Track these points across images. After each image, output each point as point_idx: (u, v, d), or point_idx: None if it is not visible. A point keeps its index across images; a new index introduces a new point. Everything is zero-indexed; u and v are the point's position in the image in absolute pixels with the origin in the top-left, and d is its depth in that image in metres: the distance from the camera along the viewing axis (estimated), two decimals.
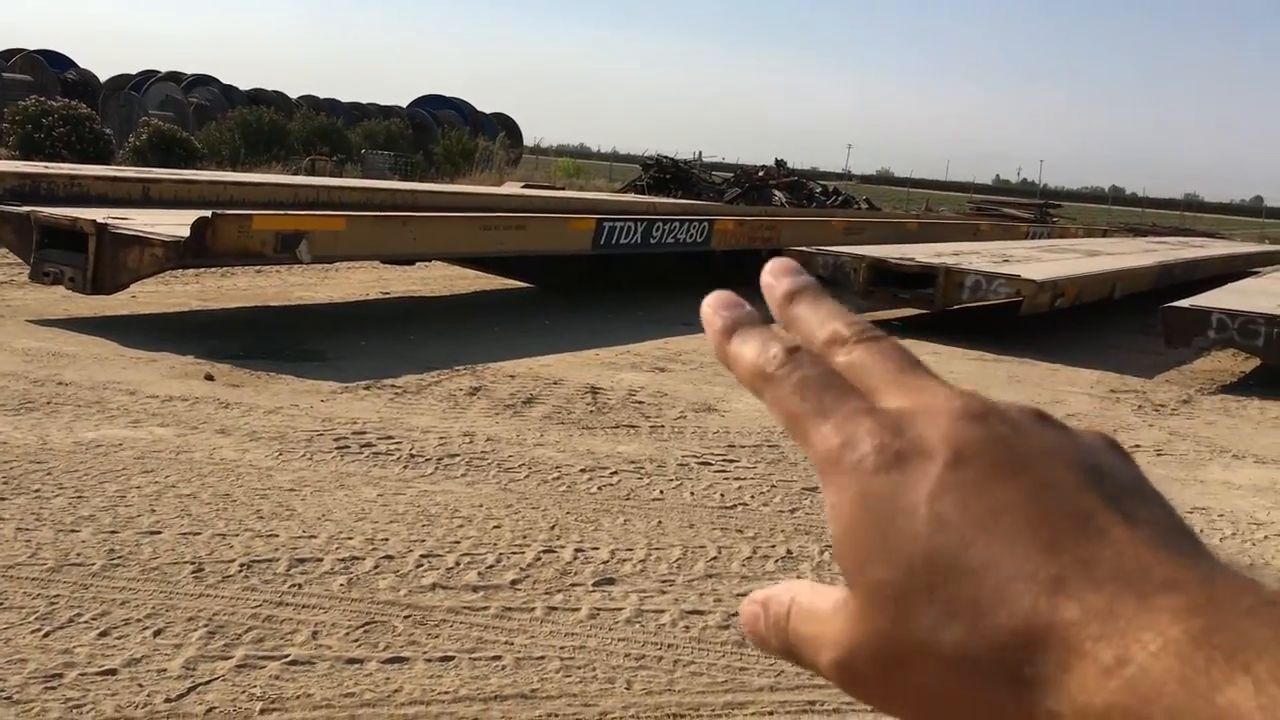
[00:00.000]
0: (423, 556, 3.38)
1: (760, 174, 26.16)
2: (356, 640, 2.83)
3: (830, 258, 9.07)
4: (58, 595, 2.93)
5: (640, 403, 5.62)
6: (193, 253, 6.04)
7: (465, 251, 8.41)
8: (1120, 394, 7.12)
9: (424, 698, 2.59)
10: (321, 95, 29.90)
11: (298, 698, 2.54)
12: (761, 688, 2.75)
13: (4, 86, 22.94)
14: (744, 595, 0.38)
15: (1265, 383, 7.73)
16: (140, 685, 2.54)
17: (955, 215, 23.66)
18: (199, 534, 3.41)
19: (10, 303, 6.81)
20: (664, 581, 3.37)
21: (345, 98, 31.06)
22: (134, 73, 28.27)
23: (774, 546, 3.76)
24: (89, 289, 6.16)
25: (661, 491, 4.23)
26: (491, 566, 3.36)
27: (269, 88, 28.74)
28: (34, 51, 26.80)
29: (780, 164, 28.74)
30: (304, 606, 3.00)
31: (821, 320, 0.37)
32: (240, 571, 3.17)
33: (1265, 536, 4.39)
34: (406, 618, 2.97)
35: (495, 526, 3.70)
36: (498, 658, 2.80)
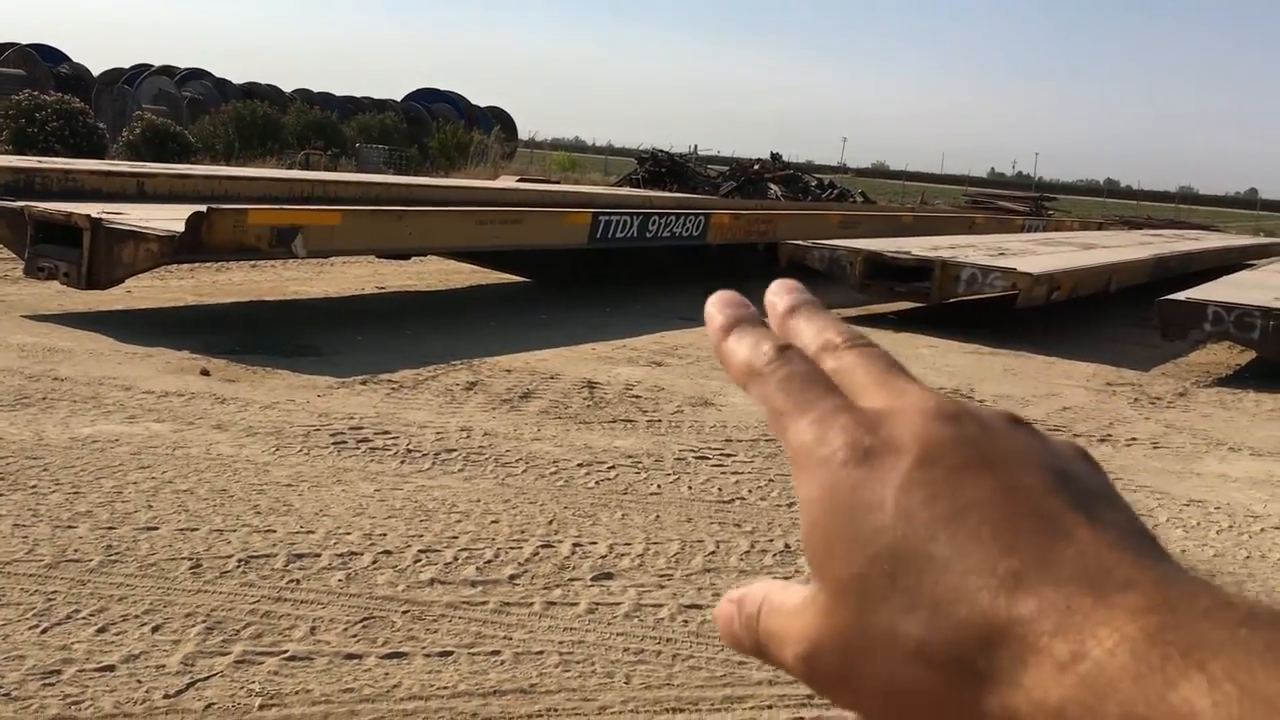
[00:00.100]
0: (421, 551, 3.38)
1: (756, 167, 26.15)
2: (355, 635, 2.83)
3: (826, 251, 9.07)
4: (55, 591, 2.93)
5: (637, 397, 5.62)
6: (188, 248, 6.02)
7: (461, 246, 8.40)
8: (1116, 387, 7.13)
9: (423, 693, 2.59)
10: (316, 89, 29.85)
11: (297, 693, 2.54)
12: (760, 681, 2.75)
13: None
14: None
15: (1261, 375, 7.74)
16: (139, 681, 2.53)
17: (950, 208, 23.68)
18: (196, 530, 3.40)
19: (5, 298, 6.79)
20: (662, 576, 3.37)
21: (339, 91, 31.02)
22: (127, 66, 28.21)
23: (771, 541, 3.77)
24: (84, 284, 6.14)
25: (659, 486, 4.23)
26: (490, 561, 3.36)
27: (263, 81, 28.70)
28: (27, 45, 26.70)
29: (775, 157, 28.72)
30: (302, 602, 3.00)
31: (816, 330, 0.39)
32: (238, 567, 3.17)
33: (1262, 529, 4.40)
34: (405, 613, 2.97)
35: (493, 521, 3.70)
36: (496, 653, 2.80)
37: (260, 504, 3.67)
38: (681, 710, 2.62)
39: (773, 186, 24.11)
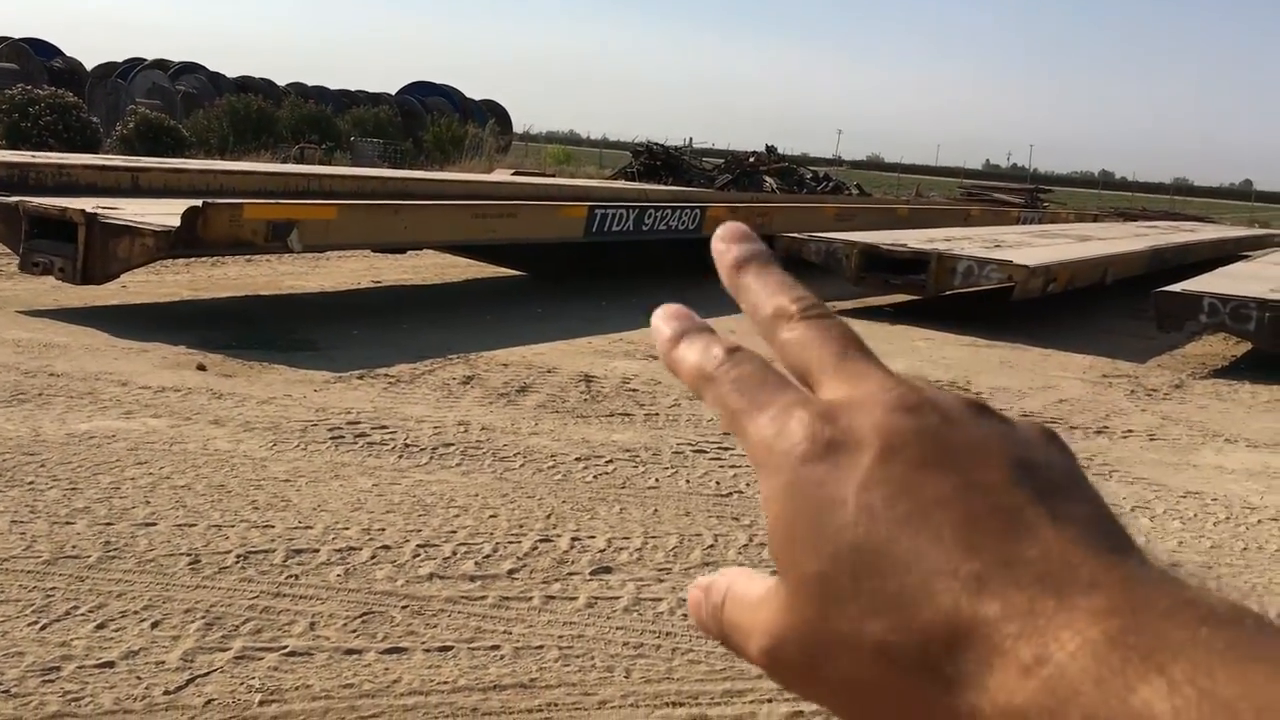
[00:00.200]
0: (419, 546, 3.38)
1: (751, 160, 26.14)
2: (354, 631, 2.83)
3: (822, 244, 9.06)
4: (54, 588, 2.92)
5: (634, 390, 5.62)
6: (184, 242, 6.01)
7: (457, 240, 8.38)
8: (1112, 379, 7.14)
9: (423, 688, 2.59)
10: (310, 83, 29.78)
11: (296, 689, 2.54)
12: (760, 674, 2.74)
13: None
14: None
15: (1256, 366, 7.75)
16: (139, 678, 2.53)
17: (946, 201, 23.68)
18: (194, 525, 3.40)
19: (0, 294, 6.77)
20: (661, 570, 3.37)
21: (333, 85, 30.95)
22: (121, 61, 28.12)
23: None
24: (79, 279, 6.13)
25: (657, 480, 4.23)
26: (488, 556, 3.36)
27: (256, 75, 28.62)
28: (20, 40, 26.61)
29: (771, 150, 28.71)
30: (301, 597, 2.99)
31: (769, 293, 0.38)
32: (237, 563, 3.16)
33: (1259, 521, 4.41)
34: (404, 608, 2.97)
35: (491, 516, 3.70)
36: (496, 647, 2.80)
37: (258, 499, 3.67)
38: (682, 704, 2.62)
39: (768, 179, 24.10)
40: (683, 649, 2.87)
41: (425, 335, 6.55)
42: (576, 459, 4.39)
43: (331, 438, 4.39)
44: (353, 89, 30.91)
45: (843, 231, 9.98)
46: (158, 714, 2.41)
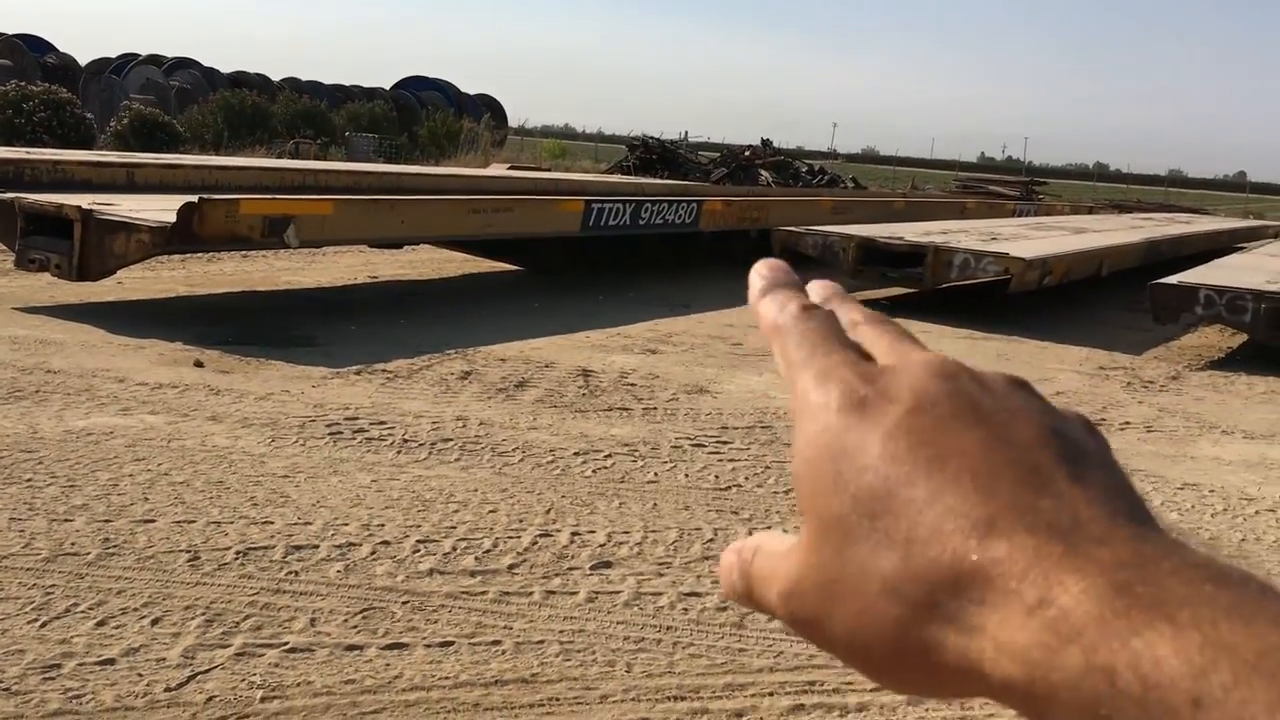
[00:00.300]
0: (419, 542, 3.37)
1: (746, 154, 26.10)
2: (355, 627, 2.83)
3: (819, 237, 9.06)
4: (53, 585, 2.92)
5: (632, 385, 5.61)
6: (180, 238, 6.00)
7: (454, 234, 8.38)
8: (1109, 371, 7.15)
9: (424, 683, 2.59)
10: (304, 77, 29.70)
11: (298, 685, 2.54)
12: (761, 669, 2.75)
13: None
14: None
15: (1252, 358, 7.77)
16: (140, 675, 2.53)
17: (942, 193, 23.67)
18: (193, 522, 3.39)
19: None
20: (661, 564, 3.37)
21: (328, 79, 30.88)
22: (114, 56, 28.03)
23: (769, 528, 3.77)
24: (75, 276, 6.11)
25: (656, 474, 4.23)
26: (488, 551, 3.36)
27: (251, 70, 28.54)
28: (13, 36, 26.52)
29: (766, 143, 28.68)
30: (301, 593, 2.99)
31: (846, 311, 0.40)
32: (236, 559, 3.16)
33: (1256, 512, 4.42)
34: (405, 604, 2.97)
35: (491, 511, 3.70)
36: (497, 642, 2.80)
37: (257, 496, 3.66)
38: (683, 698, 2.62)
39: (764, 173, 24.07)
40: (684, 643, 2.87)
41: (422, 330, 6.54)
42: (575, 454, 4.39)
43: (330, 433, 4.39)
44: (347, 84, 30.84)
45: (839, 225, 9.98)
46: (159, 711, 2.41)
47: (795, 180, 24.56)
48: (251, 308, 7.03)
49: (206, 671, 2.56)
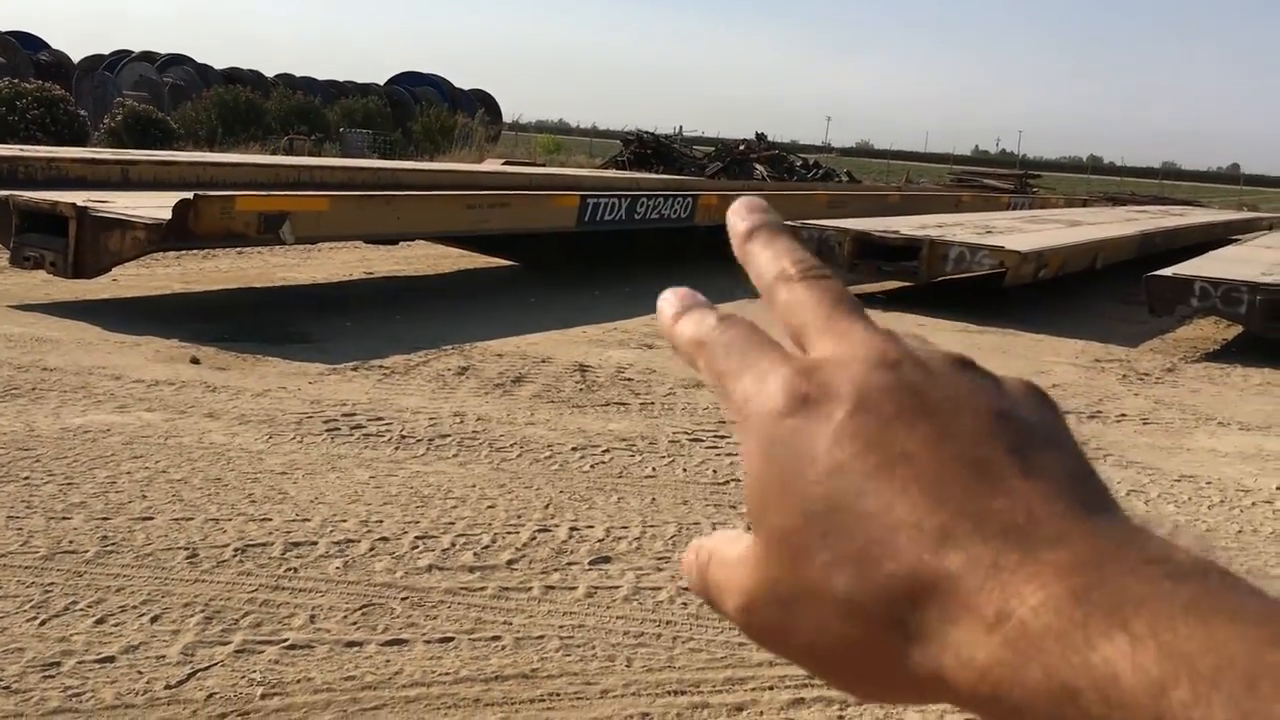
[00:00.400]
0: (418, 538, 3.37)
1: (741, 148, 26.10)
2: (355, 623, 2.83)
3: (815, 231, 9.06)
4: (52, 583, 2.91)
5: (629, 380, 5.62)
6: (175, 235, 5.98)
7: (449, 230, 8.37)
8: (1105, 363, 7.16)
9: (425, 679, 2.59)
10: (298, 74, 29.64)
11: (298, 681, 2.54)
12: (760, 662, 2.76)
13: None
14: None
15: (1248, 349, 7.78)
16: (139, 672, 2.53)
17: (936, 187, 23.68)
18: (192, 519, 3.39)
19: None
20: (660, 559, 3.38)
21: (322, 75, 30.82)
22: (107, 53, 27.96)
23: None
24: (70, 273, 6.10)
25: (654, 469, 4.24)
26: (487, 547, 3.36)
27: (244, 66, 28.48)
28: (6, 33, 26.44)
29: (761, 137, 28.68)
30: (301, 590, 2.99)
31: (773, 257, 0.39)
32: (235, 556, 3.16)
33: (1253, 503, 4.43)
34: (404, 599, 2.97)
35: (489, 506, 3.70)
36: (497, 638, 2.80)
37: (255, 492, 3.66)
38: (683, 693, 2.62)
39: (758, 167, 24.08)
40: (683, 637, 2.87)
41: (419, 326, 6.54)
42: (573, 449, 4.39)
43: (327, 430, 4.38)
44: (341, 80, 30.78)
45: (835, 219, 9.98)
46: (159, 708, 2.41)
47: (790, 174, 24.56)
48: (247, 304, 7.02)
49: (206, 669, 2.56)
